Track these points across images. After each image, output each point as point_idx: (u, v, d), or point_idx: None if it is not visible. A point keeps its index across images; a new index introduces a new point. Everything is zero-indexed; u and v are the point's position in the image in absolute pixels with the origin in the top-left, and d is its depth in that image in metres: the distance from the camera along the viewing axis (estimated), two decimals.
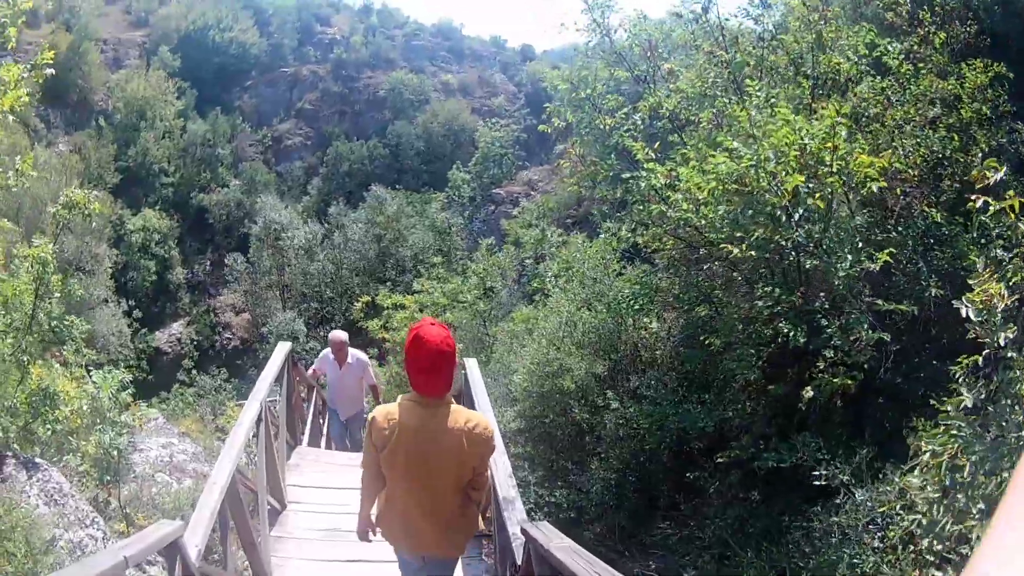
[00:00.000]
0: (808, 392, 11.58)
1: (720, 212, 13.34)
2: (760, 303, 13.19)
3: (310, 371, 18.07)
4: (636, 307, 17.79)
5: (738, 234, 12.89)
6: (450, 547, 6.87)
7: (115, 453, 13.01)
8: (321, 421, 19.37)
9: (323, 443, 18.71)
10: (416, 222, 63.15)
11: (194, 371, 57.11)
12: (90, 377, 15.78)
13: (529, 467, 18.13)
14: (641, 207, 16.40)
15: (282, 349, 14.36)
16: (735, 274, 14.95)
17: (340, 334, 17.17)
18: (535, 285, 28.41)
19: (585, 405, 17.95)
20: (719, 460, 13.41)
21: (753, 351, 13.46)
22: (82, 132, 72.30)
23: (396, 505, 6.54)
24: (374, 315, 41.05)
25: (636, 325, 19.04)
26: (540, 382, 18.70)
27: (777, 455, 11.96)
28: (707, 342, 14.51)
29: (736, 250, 12.53)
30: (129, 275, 64.48)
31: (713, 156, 13.10)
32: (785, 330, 12.15)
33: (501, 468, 9.40)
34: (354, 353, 16.90)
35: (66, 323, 15.44)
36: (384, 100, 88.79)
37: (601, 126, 17.53)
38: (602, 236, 24.48)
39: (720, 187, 12.98)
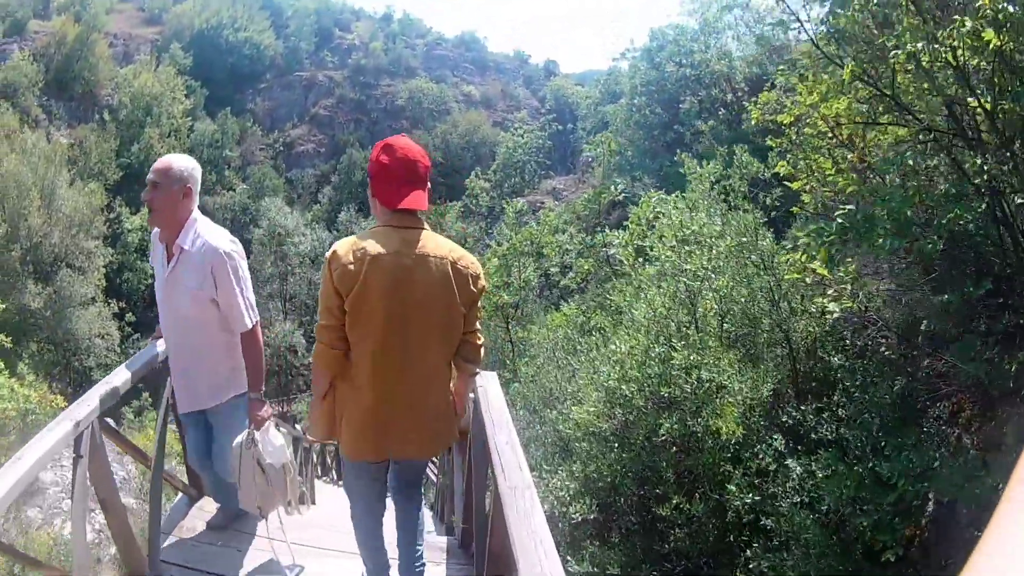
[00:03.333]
0: None
1: None
2: None
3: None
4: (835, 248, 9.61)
5: None
6: (433, 441, 5.48)
7: None
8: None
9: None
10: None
11: None
12: None
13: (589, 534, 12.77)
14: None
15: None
16: None
17: (171, 159, 6.51)
18: (622, 254, 20.20)
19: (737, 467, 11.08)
20: None
21: None
22: (85, 125, 70.34)
23: (363, 389, 5.02)
24: None
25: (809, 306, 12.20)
26: (639, 421, 12.29)
27: None
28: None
29: None
30: (124, 276, 61.69)
31: None
32: None
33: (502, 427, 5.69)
34: (204, 231, 6.42)
35: None
36: (402, 109, 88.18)
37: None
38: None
39: None
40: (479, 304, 5.38)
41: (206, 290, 6.25)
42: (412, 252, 4.94)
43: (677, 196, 18.23)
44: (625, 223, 22.20)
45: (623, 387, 12.53)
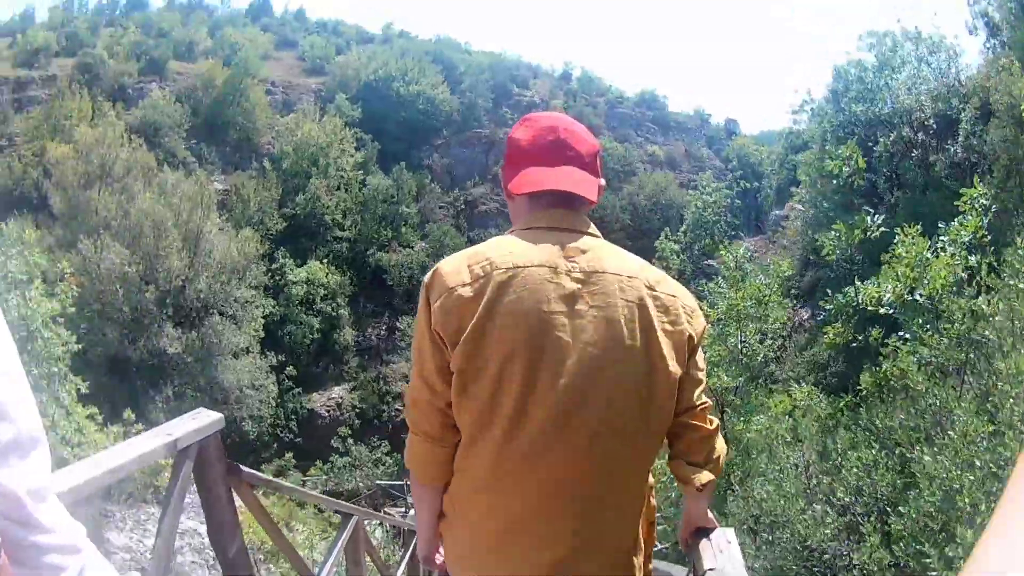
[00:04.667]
0: None
1: None
2: None
3: None
4: None
5: None
6: (611, 564, 3.04)
7: None
8: None
9: None
10: None
11: (350, 440, 54.03)
12: None
13: None
14: None
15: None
16: None
17: None
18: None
19: None
20: None
21: None
22: (242, 172, 70.98)
23: (480, 511, 2.97)
24: None
25: None
26: None
27: None
28: None
29: None
30: (287, 329, 59.94)
31: None
32: None
33: None
34: None
35: None
36: None
37: None
38: None
39: None
40: (702, 358, 3.04)
41: None
42: (576, 265, 2.78)
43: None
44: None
45: None
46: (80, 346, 17.58)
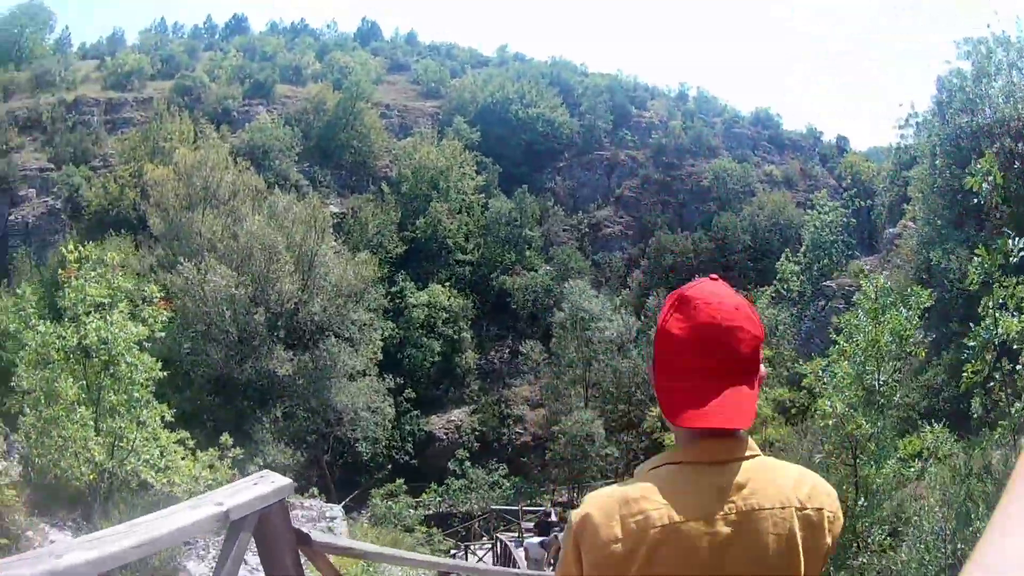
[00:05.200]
0: None
1: None
2: None
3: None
4: None
5: None
6: None
7: None
8: None
9: None
10: None
11: (468, 462, 53.86)
12: None
13: None
14: None
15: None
16: None
17: None
18: None
19: None
20: None
21: None
22: (359, 195, 71.61)
23: None
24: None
25: None
26: None
27: None
28: None
29: None
30: (407, 352, 60.70)
31: None
32: None
33: None
34: None
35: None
36: (707, 190, 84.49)
37: None
38: None
39: None
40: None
41: None
42: (731, 511, 2.63)
43: None
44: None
45: None
46: (164, 373, 17.18)
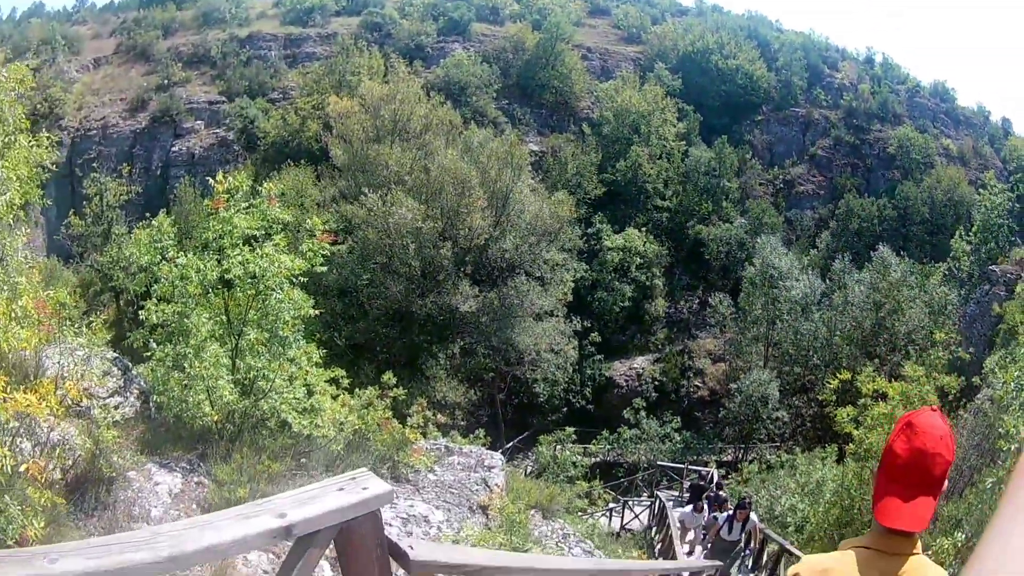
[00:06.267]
0: None
1: None
2: None
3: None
4: None
5: None
6: None
7: None
8: None
9: None
10: (915, 294, 53.56)
11: (642, 412, 51.83)
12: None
13: None
14: None
15: None
16: None
17: None
18: None
19: None
20: None
21: None
22: (558, 135, 72.10)
23: None
24: (847, 400, 28.93)
25: None
26: None
27: None
28: None
29: None
30: (597, 295, 61.12)
31: None
32: None
33: None
34: None
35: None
36: (892, 157, 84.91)
37: None
38: None
39: None
40: None
41: None
42: None
43: None
44: None
45: None
46: (316, 311, 15.84)
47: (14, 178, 12.41)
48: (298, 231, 19.74)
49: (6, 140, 12.76)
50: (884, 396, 24.13)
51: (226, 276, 14.23)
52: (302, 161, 56.60)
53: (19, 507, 8.32)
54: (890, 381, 25.79)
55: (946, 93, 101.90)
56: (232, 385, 13.89)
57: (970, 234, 66.11)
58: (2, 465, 8.24)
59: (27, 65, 16.33)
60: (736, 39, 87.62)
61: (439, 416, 18.52)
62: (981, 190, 71.88)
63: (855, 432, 24.64)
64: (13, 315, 10.30)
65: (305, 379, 15.67)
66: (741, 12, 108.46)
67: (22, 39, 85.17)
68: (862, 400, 25.10)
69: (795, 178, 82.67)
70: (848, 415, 25.73)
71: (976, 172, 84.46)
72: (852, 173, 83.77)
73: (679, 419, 51.49)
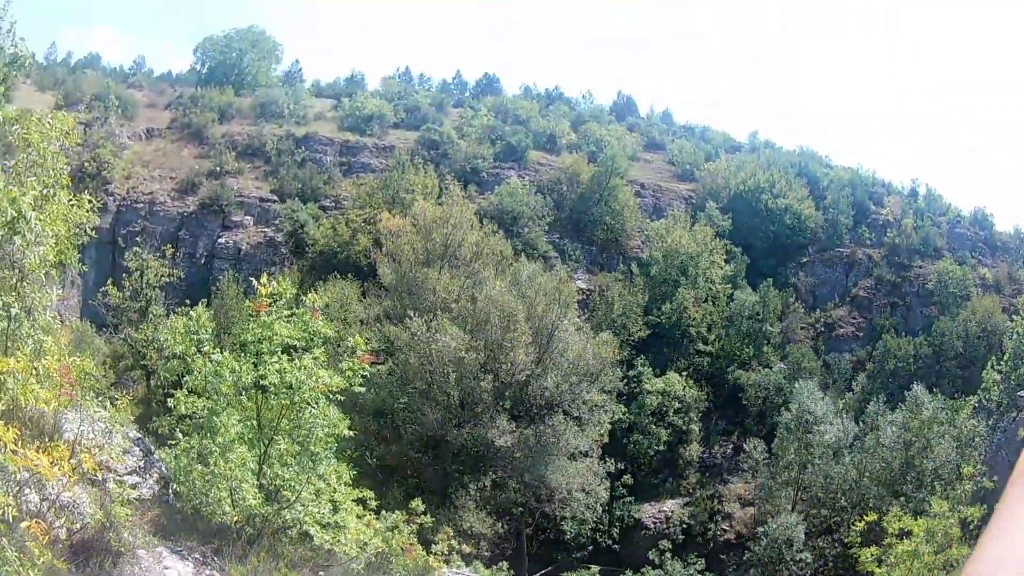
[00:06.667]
0: None
1: None
2: None
3: None
4: None
5: None
6: None
7: None
8: None
9: None
10: (945, 430, 51.99)
11: (667, 554, 53.45)
12: None
13: None
14: None
15: None
16: None
17: None
18: None
19: None
20: None
21: None
22: (607, 273, 72.96)
23: None
24: (872, 540, 30.61)
25: None
26: None
27: None
28: None
29: None
30: (633, 438, 61.13)
31: None
32: None
33: None
34: None
35: None
36: (931, 293, 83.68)
37: None
38: None
39: None
40: None
41: None
42: None
43: None
44: None
45: None
46: (351, 432, 16.38)
47: (50, 233, 12.45)
48: (339, 346, 19.90)
49: (44, 192, 12.84)
50: (908, 534, 25.22)
51: (261, 381, 14.49)
52: (349, 275, 56.76)
53: (16, 554, 8.53)
54: (915, 518, 25.77)
55: (985, 220, 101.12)
56: (257, 490, 14.25)
57: (1001, 363, 65.06)
58: (3, 512, 8.41)
59: (76, 119, 16.36)
60: (787, 176, 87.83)
61: (464, 546, 18.59)
62: (1014, 316, 70.82)
63: (877, 571, 26.29)
64: (34, 372, 10.37)
65: (332, 495, 16.02)
66: (792, 148, 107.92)
67: (75, 88, 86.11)
68: (887, 540, 26.36)
69: (835, 321, 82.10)
70: (872, 555, 26.97)
71: (1010, 298, 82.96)
72: (891, 312, 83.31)
73: (703, 561, 52.47)
